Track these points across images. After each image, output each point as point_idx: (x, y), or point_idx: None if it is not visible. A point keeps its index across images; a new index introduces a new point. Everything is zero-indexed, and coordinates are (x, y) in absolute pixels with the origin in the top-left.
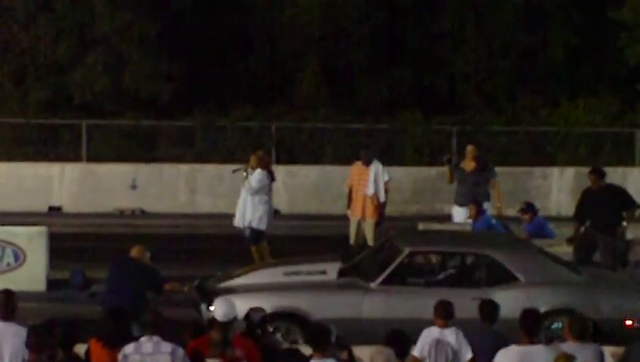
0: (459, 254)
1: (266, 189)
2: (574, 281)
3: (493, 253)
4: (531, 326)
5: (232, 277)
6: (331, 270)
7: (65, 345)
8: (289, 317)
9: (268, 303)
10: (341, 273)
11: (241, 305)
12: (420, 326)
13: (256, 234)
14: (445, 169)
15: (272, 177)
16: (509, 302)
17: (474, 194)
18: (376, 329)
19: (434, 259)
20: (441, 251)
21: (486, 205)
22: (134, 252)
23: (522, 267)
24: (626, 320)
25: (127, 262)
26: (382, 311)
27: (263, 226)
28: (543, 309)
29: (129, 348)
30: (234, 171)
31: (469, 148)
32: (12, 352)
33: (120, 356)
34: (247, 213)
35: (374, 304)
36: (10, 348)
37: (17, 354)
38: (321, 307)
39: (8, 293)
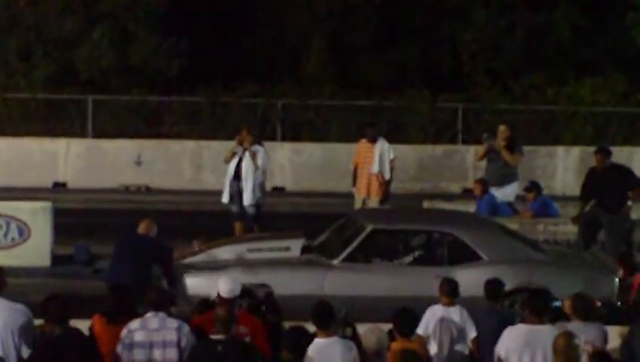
0: (422, 232)
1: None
2: (538, 260)
3: (456, 231)
4: (539, 306)
5: (195, 253)
6: (295, 247)
7: (60, 320)
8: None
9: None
10: (304, 250)
11: (203, 281)
12: (381, 303)
13: (260, 211)
14: (482, 147)
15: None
16: (472, 280)
17: (502, 175)
18: (338, 306)
19: (397, 236)
20: (405, 229)
21: (515, 185)
22: (142, 226)
23: (485, 245)
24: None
25: (133, 238)
26: (344, 289)
27: (262, 201)
28: (505, 288)
29: (134, 324)
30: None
31: (501, 128)
32: (2, 326)
33: (124, 331)
34: (257, 189)
35: (336, 281)
36: (0, 323)
37: (6, 327)
38: (283, 283)
39: None
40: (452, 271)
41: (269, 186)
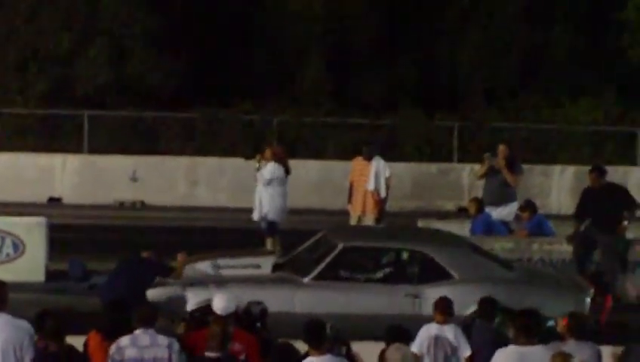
0: (393, 250)
1: (280, 182)
2: (507, 278)
3: (427, 249)
4: (530, 326)
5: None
6: (265, 264)
7: (56, 336)
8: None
9: (199, 296)
10: (275, 267)
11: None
12: (351, 321)
13: (273, 226)
14: (484, 166)
15: (287, 171)
16: None
17: (501, 194)
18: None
19: (368, 254)
20: (375, 247)
21: (513, 205)
22: (145, 254)
23: (455, 263)
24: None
25: (134, 258)
26: (314, 306)
27: (278, 218)
28: (476, 306)
29: (124, 341)
30: (247, 159)
31: (501, 147)
32: (3, 342)
33: (114, 348)
34: (264, 205)
35: (307, 299)
36: (2, 338)
37: (8, 343)
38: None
39: None
40: (422, 289)
41: None
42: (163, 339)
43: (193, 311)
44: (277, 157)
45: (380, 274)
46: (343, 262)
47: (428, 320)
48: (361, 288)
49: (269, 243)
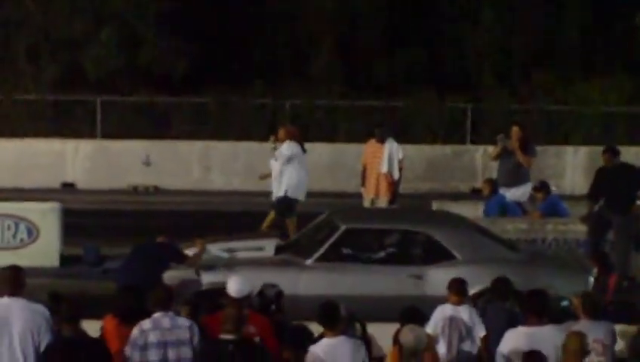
0: (396, 231)
1: (299, 160)
2: (511, 259)
3: (430, 230)
4: (539, 306)
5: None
6: (269, 247)
7: (71, 320)
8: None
9: (204, 279)
10: (278, 250)
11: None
12: (355, 303)
13: (289, 203)
14: (497, 147)
15: (302, 149)
16: (446, 279)
17: (514, 175)
18: (313, 306)
19: (371, 236)
20: (378, 228)
21: (526, 186)
22: (159, 239)
23: (459, 244)
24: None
25: (148, 243)
26: (317, 288)
27: (297, 195)
28: (479, 287)
29: (146, 324)
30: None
31: (514, 129)
32: (21, 326)
33: (136, 332)
34: (283, 182)
35: (310, 281)
36: (19, 323)
37: (25, 328)
38: (256, 283)
39: (16, 269)
40: (426, 270)
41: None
42: (183, 321)
43: (196, 294)
44: (291, 136)
45: (382, 256)
46: (346, 243)
47: (431, 300)
48: (363, 269)
49: (267, 218)
